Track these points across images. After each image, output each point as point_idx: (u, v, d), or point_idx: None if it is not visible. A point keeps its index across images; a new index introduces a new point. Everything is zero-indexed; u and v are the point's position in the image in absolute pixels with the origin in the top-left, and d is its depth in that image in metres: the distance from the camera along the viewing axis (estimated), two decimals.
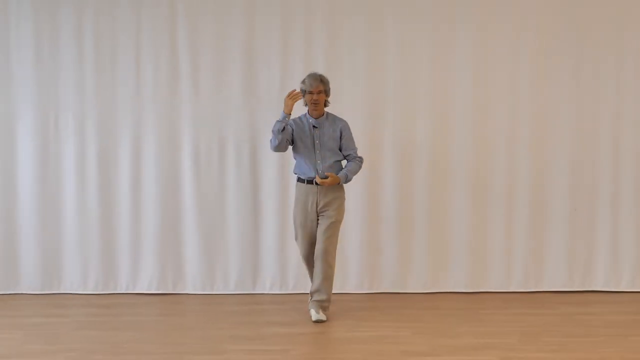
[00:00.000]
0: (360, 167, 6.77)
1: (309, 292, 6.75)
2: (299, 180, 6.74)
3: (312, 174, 6.59)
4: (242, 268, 7.56)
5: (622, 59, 7.43)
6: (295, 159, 6.75)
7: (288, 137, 6.57)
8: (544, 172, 7.51)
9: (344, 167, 6.73)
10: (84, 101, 7.40)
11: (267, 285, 7.58)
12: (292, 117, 6.55)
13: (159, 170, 7.48)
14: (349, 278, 7.55)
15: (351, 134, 6.77)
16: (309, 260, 6.80)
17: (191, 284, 7.59)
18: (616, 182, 7.52)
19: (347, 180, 6.63)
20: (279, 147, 6.55)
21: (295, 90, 6.51)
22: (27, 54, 7.34)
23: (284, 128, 6.44)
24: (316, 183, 6.56)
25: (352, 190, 7.12)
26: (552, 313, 6.89)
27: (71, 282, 7.56)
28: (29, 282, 7.55)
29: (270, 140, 6.54)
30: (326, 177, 6.53)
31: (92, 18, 7.34)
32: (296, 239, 6.86)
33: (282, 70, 7.22)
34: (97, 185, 7.46)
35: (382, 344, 6.00)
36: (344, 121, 6.74)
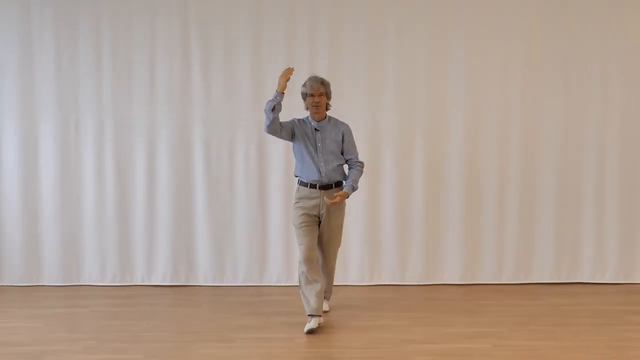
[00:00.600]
0: (362, 172, 6.34)
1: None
2: (301, 183, 6.26)
3: (315, 177, 6.14)
4: (250, 262, 7.58)
5: (607, 66, 7.42)
6: (296, 160, 6.31)
7: (287, 130, 6.17)
8: (533, 173, 7.50)
9: (346, 172, 6.38)
10: (102, 105, 7.44)
11: (274, 277, 7.58)
12: (296, 117, 6.27)
13: (172, 170, 7.50)
14: (350, 272, 7.56)
15: (353, 138, 6.39)
16: (311, 260, 6.14)
17: (202, 277, 7.61)
18: (601, 182, 7.51)
19: (354, 190, 6.22)
20: (271, 127, 6.02)
21: (289, 67, 6.14)
22: (49, 61, 7.37)
23: (274, 107, 5.94)
24: (320, 187, 6.15)
25: None
26: (541, 303, 6.89)
27: (90, 275, 7.60)
28: (50, 275, 7.59)
29: (264, 121, 6.05)
30: (333, 195, 6.11)
31: (109, 28, 7.38)
32: (299, 242, 6.25)
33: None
34: (114, 184, 7.50)
35: (382, 333, 6.00)
36: (346, 125, 6.34)
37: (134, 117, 7.45)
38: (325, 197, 6.10)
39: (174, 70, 7.42)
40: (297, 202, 6.25)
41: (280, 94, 6.00)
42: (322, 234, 6.31)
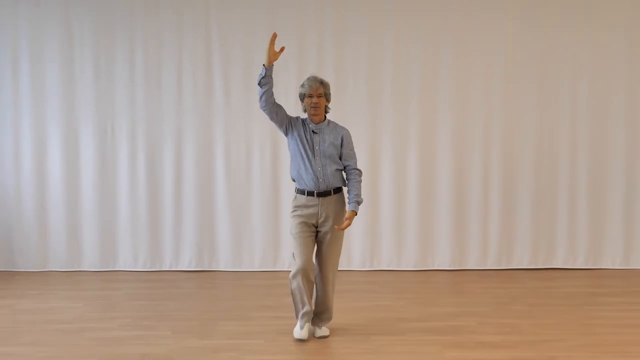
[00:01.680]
0: (361, 181, 5.34)
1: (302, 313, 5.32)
2: (298, 191, 5.30)
3: (312, 184, 5.18)
4: (265, 249, 7.62)
5: (576, 80, 7.50)
6: (291, 161, 5.35)
7: (283, 117, 5.20)
8: (513, 173, 7.56)
9: (344, 178, 5.37)
10: (135, 111, 7.49)
11: (286, 263, 7.60)
12: (301, 116, 5.38)
13: (197, 168, 7.54)
14: (353, 258, 7.60)
15: (352, 144, 5.38)
16: (306, 274, 5.16)
17: (223, 263, 7.64)
18: (572, 181, 7.57)
19: (360, 204, 5.24)
20: (261, 102, 5.09)
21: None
22: (88, 73, 7.41)
23: (260, 82, 5.03)
24: (317, 194, 5.21)
25: None
26: (520, 286, 6.94)
27: (124, 261, 7.64)
28: (90, 261, 7.62)
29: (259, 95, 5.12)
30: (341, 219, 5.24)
31: (141, 44, 7.42)
32: (293, 254, 5.25)
33: (298, 86, 7.20)
34: (145, 181, 7.54)
35: (381, 312, 6.06)
36: (346, 129, 5.37)
37: (163, 123, 7.50)
38: (335, 226, 5.18)
39: (198, 82, 7.46)
40: (295, 211, 5.31)
41: (269, 67, 5.05)
42: (320, 244, 5.33)
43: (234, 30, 7.44)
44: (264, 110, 5.15)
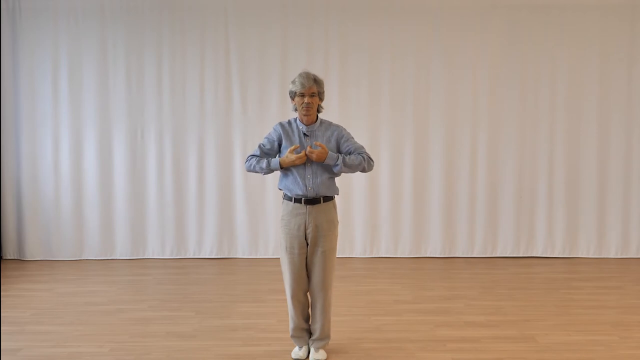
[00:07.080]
0: (362, 163, 4.31)
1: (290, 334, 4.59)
2: (285, 197, 4.38)
3: (299, 191, 4.26)
4: (277, 238, 7.58)
5: (553, 88, 7.45)
6: (281, 173, 4.41)
7: (272, 149, 4.39)
8: (497, 172, 7.52)
9: (337, 186, 4.48)
10: (162, 117, 7.47)
11: None
12: (279, 123, 4.47)
13: (217, 168, 7.54)
14: (354, 246, 7.60)
15: (350, 134, 4.42)
16: (297, 295, 4.40)
17: (241, 251, 7.63)
18: (550, 178, 7.53)
19: (338, 164, 4.25)
20: (250, 172, 4.44)
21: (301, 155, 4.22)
22: (121, 82, 7.41)
23: (264, 171, 4.32)
24: (305, 202, 4.29)
25: (357, 180, 7.26)
26: (504, 272, 6.94)
27: (152, 250, 7.63)
28: (122, 250, 7.62)
29: (250, 166, 4.40)
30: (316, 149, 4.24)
31: (168, 58, 7.41)
32: (283, 269, 4.43)
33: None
34: (171, 179, 7.53)
35: (379, 295, 6.06)
36: (340, 126, 4.43)
37: (187, 127, 7.48)
38: (308, 147, 4.22)
39: (218, 91, 7.45)
40: (282, 220, 4.39)
41: (281, 168, 4.29)
42: (309, 257, 4.37)
43: (250, 46, 7.44)
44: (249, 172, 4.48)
